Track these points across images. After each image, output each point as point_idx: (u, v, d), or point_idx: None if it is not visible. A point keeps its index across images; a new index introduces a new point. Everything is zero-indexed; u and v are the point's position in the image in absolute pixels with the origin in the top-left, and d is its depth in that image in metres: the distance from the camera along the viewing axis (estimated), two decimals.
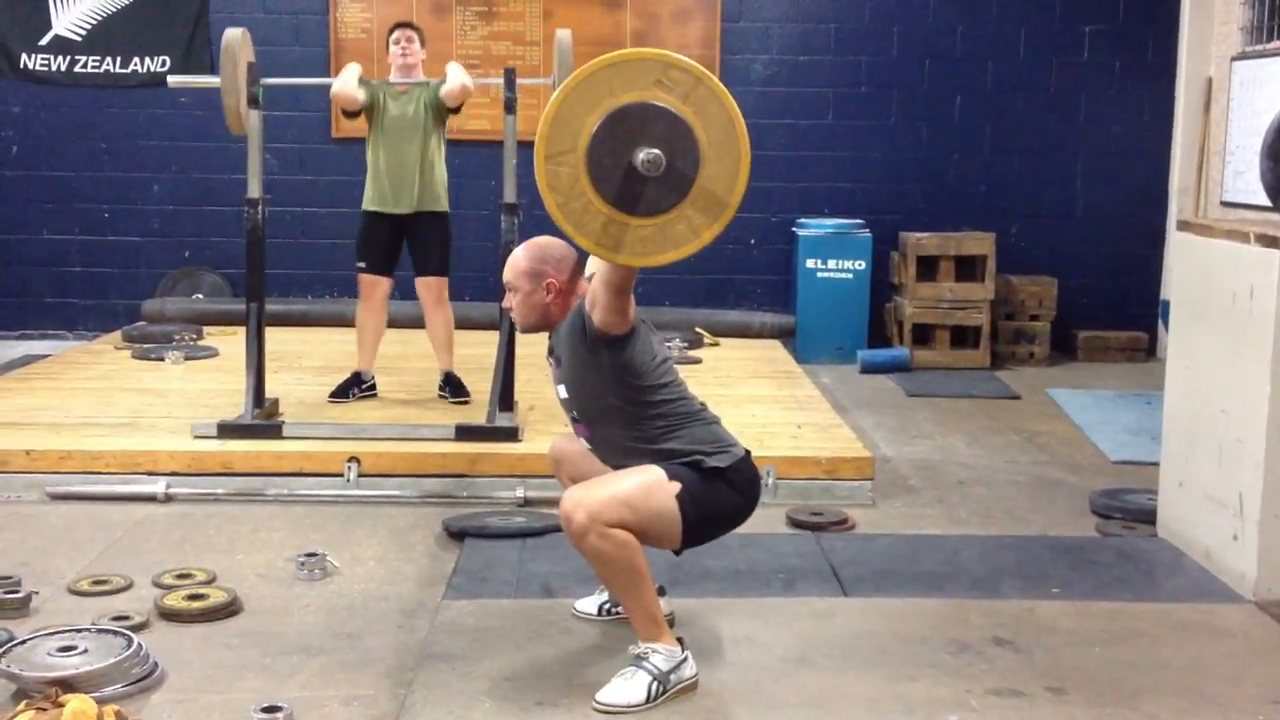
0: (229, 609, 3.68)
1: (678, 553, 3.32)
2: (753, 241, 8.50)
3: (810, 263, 7.99)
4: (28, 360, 7.31)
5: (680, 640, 3.22)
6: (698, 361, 7.15)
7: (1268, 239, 3.85)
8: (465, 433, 5.13)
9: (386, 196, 5.77)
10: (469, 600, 3.80)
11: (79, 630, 3.35)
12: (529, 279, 3.29)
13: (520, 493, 4.81)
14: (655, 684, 3.11)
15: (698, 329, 7.90)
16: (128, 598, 3.79)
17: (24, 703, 2.96)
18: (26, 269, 8.52)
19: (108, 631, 3.35)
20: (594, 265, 3.28)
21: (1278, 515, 3.83)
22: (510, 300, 3.35)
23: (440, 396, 5.92)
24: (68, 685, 3.03)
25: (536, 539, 4.35)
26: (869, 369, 7.71)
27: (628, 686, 3.10)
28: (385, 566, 4.15)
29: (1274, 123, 4.25)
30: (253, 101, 5.38)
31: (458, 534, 4.40)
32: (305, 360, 6.87)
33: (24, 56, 8.31)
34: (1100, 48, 8.35)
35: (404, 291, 6.07)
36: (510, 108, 5.44)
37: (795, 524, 4.63)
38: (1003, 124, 8.43)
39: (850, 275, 7.98)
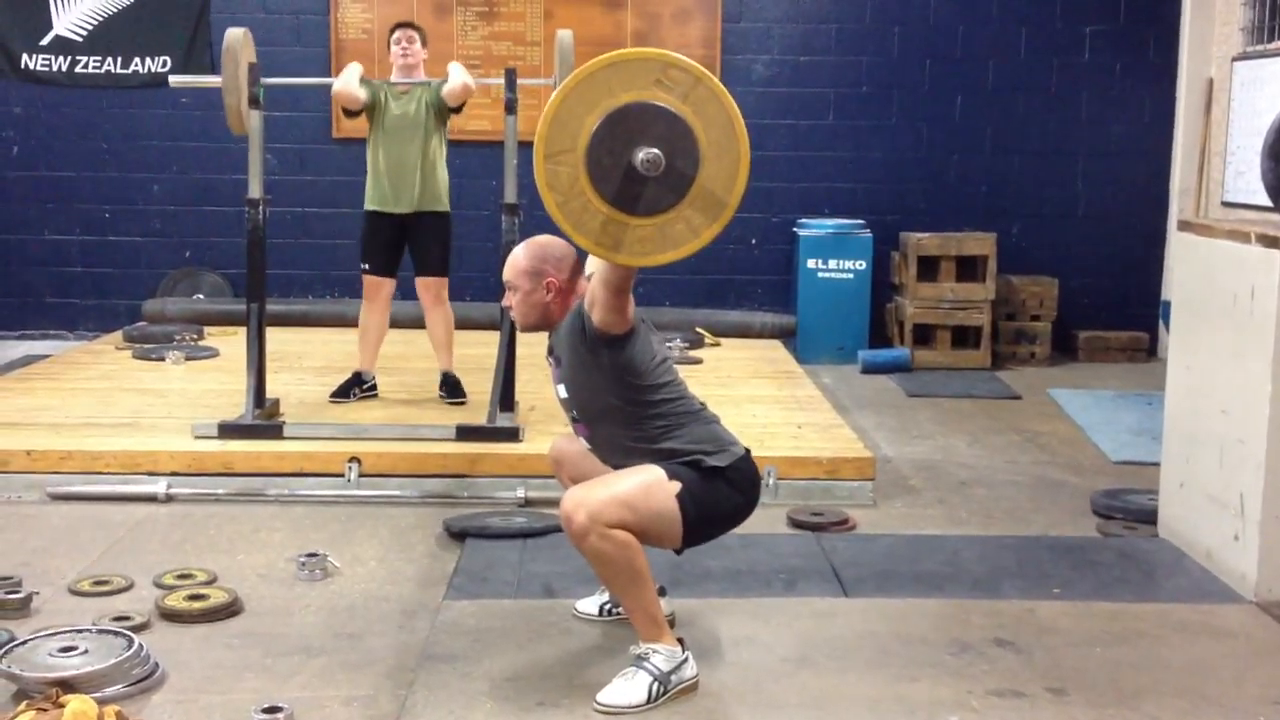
0: (230, 609, 3.68)
1: (679, 552, 3.32)
2: (753, 241, 8.50)
3: (811, 263, 7.99)
4: (28, 360, 7.32)
5: (681, 641, 3.22)
6: (698, 362, 7.15)
7: (1269, 239, 3.85)
8: (466, 433, 5.13)
9: (387, 196, 5.77)
10: (470, 600, 3.80)
11: (80, 631, 3.35)
12: (529, 278, 3.29)
13: (521, 493, 4.81)
14: (656, 684, 3.10)
15: (698, 329, 7.90)
16: (128, 598, 3.79)
17: (25, 703, 2.96)
18: (27, 269, 8.53)
19: (108, 632, 3.35)
20: (593, 265, 3.27)
21: (1279, 516, 3.83)
22: (510, 299, 3.34)
23: (440, 397, 5.92)
24: (68, 686, 3.03)
25: (537, 539, 4.35)
26: (870, 369, 7.71)
27: (628, 687, 3.10)
28: (386, 567, 4.15)
29: (1275, 123, 4.25)
30: (253, 101, 5.38)
31: (458, 534, 4.40)
32: (306, 360, 6.87)
33: (25, 57, 8.31)
34: (1101, 48, 8.35)
35: (405, 292, 6.07)
36: (511, 108, 5.44)
37: (796, 524, 4.63)
38: (1004, 124, 8.43)
39: (851, 275, 7.98)
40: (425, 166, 5.74)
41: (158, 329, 7.55)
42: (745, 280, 8.55)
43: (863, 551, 4.33)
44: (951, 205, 8.41)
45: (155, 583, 3.89)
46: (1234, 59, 7.50)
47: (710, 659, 3.35)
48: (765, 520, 4.54)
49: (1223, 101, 7.65)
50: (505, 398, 5.34)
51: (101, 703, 2.95)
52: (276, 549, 4.29)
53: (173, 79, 6.09)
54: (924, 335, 8.00)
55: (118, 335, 7.59)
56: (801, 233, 8.10)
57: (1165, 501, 4.50)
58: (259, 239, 5.40)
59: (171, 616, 3.61)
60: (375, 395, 5.99)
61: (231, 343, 7.16)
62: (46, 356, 7.31)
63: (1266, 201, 4.43)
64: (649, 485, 3.13)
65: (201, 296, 8.37)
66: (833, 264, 7.98)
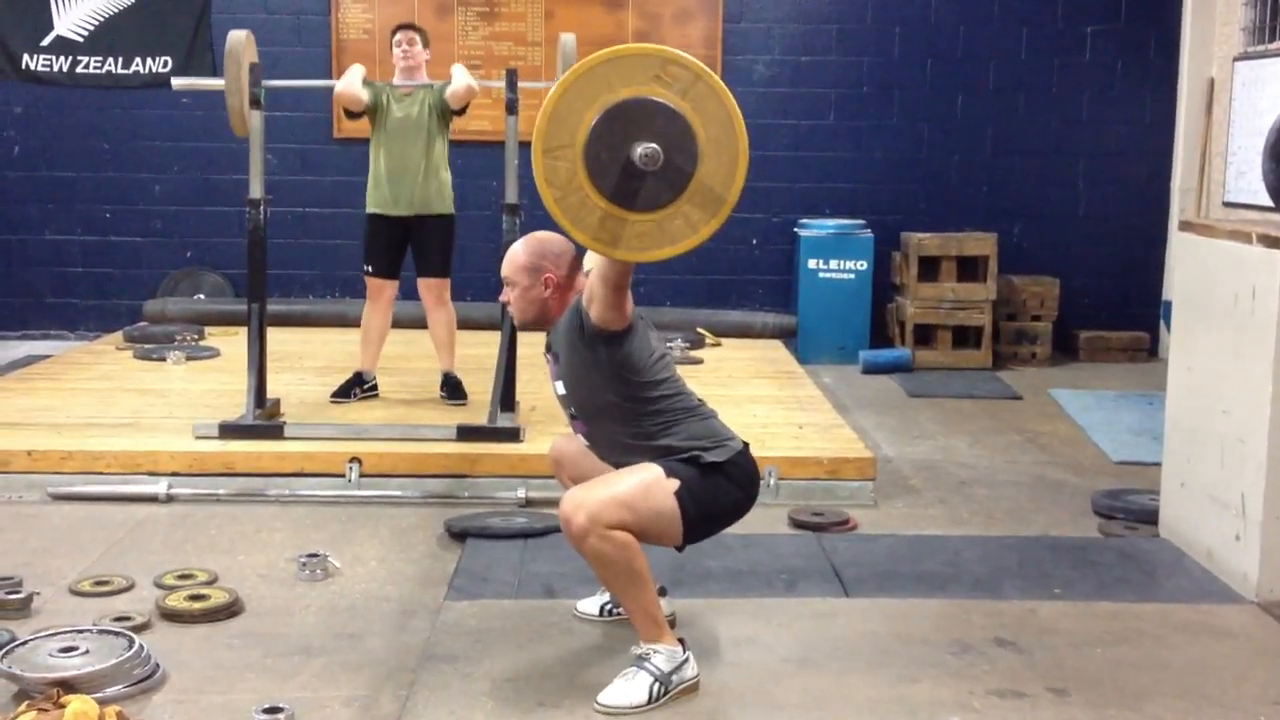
0: (230, 609, 3.68)
1: (680, 549, 3.32)
2: (754, 242, 8.50)
3: (812, 263, 7.99)
4: (30, 360, 7.32)
5: (682, 641, 3.21)
6: (699, 362, 7.14)
7: (1270, 239, 3.85)
8: (467, 433, 5.13)
9: (388, 199, 5.77)
10: (470, 601, 3.80)
11: (80, 631, 3.35)
12: (527, 274, 3.28)
13: (522, 493, 4.81)
14: (657, 685, 3.10)
15: (699, 329, 7.90)
16: (129, 598, 3.79)
17: (25, 704, 2.96)
18: (28, 269, 8.53)
19: (109, 632, 3.34)
20: (592, 261, 3.27)
21: None
22: (508, 295, 3.33)
23: (440, 397, 5.92)
24: (69, 686, 3.03)
25: (538, 539, 4.35)
26: (870, 369, 7.71)
27: (629, 687, 3.09)
28: (387, 567, 4.15)
29: (1276, 123, 4.25)
30: (254, 102, 5.37)
31: (459, 534, 4.40)
32: (307, 360, 6.87)
33: (26, 57, 8.31)
34: (1102, 48, 8.35)
35: (406, 292, 6.07)
36: (512, 108, 5.44)
37: (797, 524, 4.63)
38: (1004, 124, 8.43)
39: (852, 275, 7.98)
40: (427, 169, 5.73)
41: (159, 329, 7.55)
42: (746, 280, 8.55)
43: (864, 552, 4.33)
44: (952, 205, 8.41)
45: (156, 583, 3.89)
46: (1235, 59, 7.50)
47: (711, 659, 3.35)
48: (766, 520, 4.55)
49: (1224, 101, 7.65)
50: (506, 398, 5.34)
51: (102, 703, 2.95)
52: (277, 549, 4.28)
53: (175, 81, 6.07)
54: (925, 335, 8.00)
55: (119, 335, 7.60)
56: (802, 233, 8.11)
57: (1166, 502, 4.50)
58: (260, 239, 5.40)
59: (172, 617, 3.61)
60: (376, 395, 5.99)
61: (232, 343, 7.17)
62: (48, 356, 7.31)
63: (1268, 202, 4.43)
64: (647, 485, 3.13)
65: (202, 296, 8.38)
66: (834, 264, 7.98)
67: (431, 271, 5.84)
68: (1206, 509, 4.16)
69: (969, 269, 7.98)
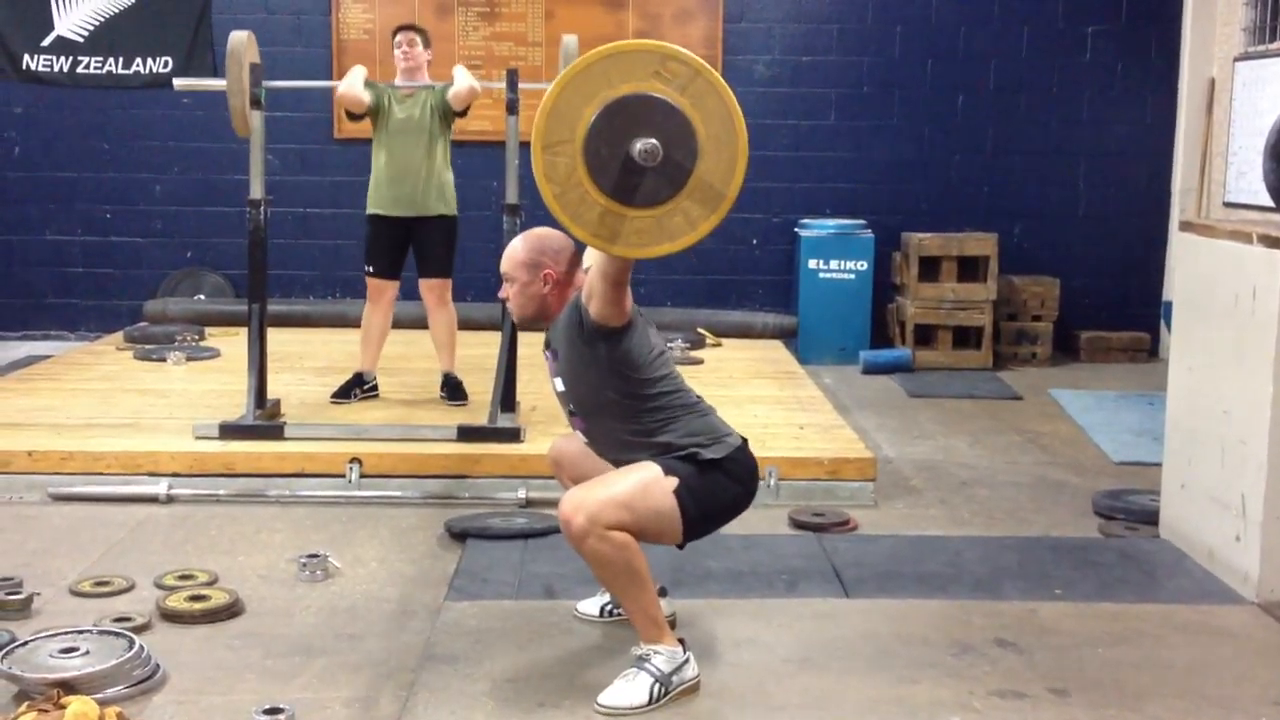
0: (231, 610, 3.68)
1: (680, 547, 3.31)
2: (755, 242, 8.50)
3: (812, 263, 7.99)
4: (30, 361, 7.32)
5: (682, 641, 3.21)
6: (700, 362, 7.14)
7: (1270, 240, 3.84)
8: (467, 434, 5.13)
9: (390, 200, 5.76)
10: (471, 601, 3.80)
11: (81, 632, 3.35)
12: (526, 269, 3.28)
13: (522, 494, 4.81)
14: (657, 685, 3.10)
15: (700, 329, 7.90)
16: (129, 599, 3.79)
17: (25, 704, 2.96)
18: (29, 269, 8.53)
19: (109, 633, 3.34)
20: (591, 257, 3.27)
21: None
22: (507, 291, 3.33)
23: (440, 398, 5.92)
24: (69, 687, 3.03)
25: (538, 540, 4.35)
26: (871, 369, 7.71)
27: (629, 688, 3.09)
28: (387, 568, 4.15)
29: (1276, 123, 4.24)
30: (255, 102, 5.37)
31: (459, 535, 4.40)
32: (307, 361, 6.87)
33: (26, 57, 8.31)
34: (1102, 48, 8.35)
35: (407, 292, 6.07)
36: (512, 109, 5.44)
37: (797, 525, 4.63)
38: (1005, 124, 8.43)
39: (852, 276, 7.98)
40: (429, 170, 5.73)
41: (159, 329, 7.55)
42: (746, 281, 8.55)
43: (864, 552, 4.33)
44: (953, 205, 8.41)
45: (156, 583, 3.89)
46: (1236, 59, 7.50)
47: (711, 660, 3.35)
48: (766, 521, 4.55)
49: (1224, 102, 7.65)
50: (506, 398, 5.33)
51: (102, 704, 2.95)
52: (277, 550, 4.28)
53: (178, 81, 6.06)
54: (925, 335, 8.00)
55: (119, 336, 7.60)
56: (803, 233, 8.11)
57: (1167, 502, 4.50)
58: (260, 239, 5.40)
59: (172, 617, 3.61)
60: (376, 396, 5.98)
61: (233, 343, 7.17)
62: (48, 357, 7.32)
63: (1268, 202, 4.43)
64: (646, 484, 3.12)
65: (203, 297, 8.38)
66: (834, 264, 7.98)
67: (433, 272, 5.83)
68: (1207, 509, 4.16)
69: (969, 269, 7.98)
